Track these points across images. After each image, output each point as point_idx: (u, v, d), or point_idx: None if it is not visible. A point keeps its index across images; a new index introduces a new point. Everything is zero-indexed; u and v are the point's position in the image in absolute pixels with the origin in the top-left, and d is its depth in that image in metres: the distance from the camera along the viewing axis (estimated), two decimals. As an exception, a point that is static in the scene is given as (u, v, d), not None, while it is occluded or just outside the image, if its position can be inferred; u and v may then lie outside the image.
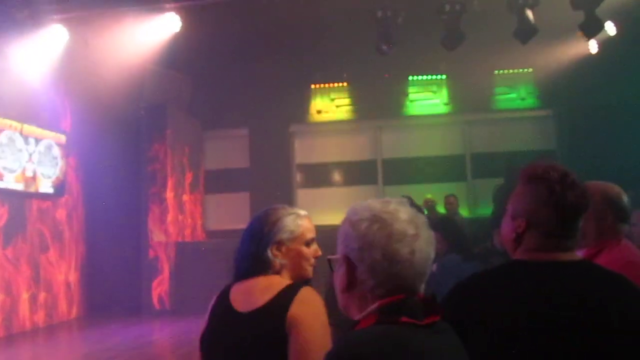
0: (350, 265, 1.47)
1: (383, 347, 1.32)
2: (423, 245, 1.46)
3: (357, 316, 1.46)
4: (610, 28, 9.06)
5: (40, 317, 9.06)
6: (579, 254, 2.63)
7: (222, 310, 2.08)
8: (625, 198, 2.69)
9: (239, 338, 1.97)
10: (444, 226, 4.58)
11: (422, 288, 1.46)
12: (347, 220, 1.51)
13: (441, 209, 9.60)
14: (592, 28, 8.42)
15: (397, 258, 1.42)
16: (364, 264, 1.44)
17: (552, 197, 1.85)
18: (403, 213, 1.47)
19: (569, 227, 1.89)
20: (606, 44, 9.52)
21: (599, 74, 9.77)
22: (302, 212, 2.21)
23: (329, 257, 1.59)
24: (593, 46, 9.72)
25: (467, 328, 1.66)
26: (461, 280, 1.89)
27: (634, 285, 1.88)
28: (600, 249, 2.61)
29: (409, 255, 1.43)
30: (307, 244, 2.14)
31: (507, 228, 1.94)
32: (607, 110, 9.91)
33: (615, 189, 2.72)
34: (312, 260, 2.14)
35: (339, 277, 1.51)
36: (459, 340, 1.51)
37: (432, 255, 1.48)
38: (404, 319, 1.38)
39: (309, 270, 2.14)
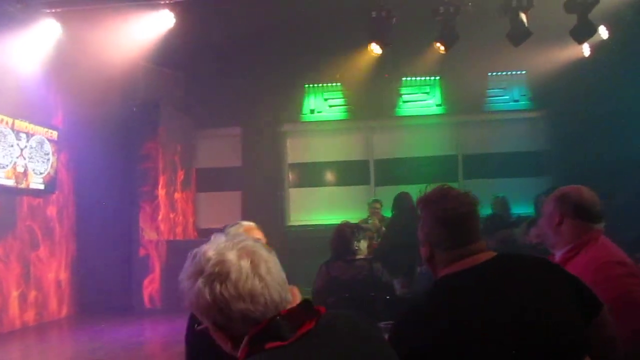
0: (227, 331, 1.42)
1: None
2: (271, 266, 1.45)
3: None
4: (603, 31, 9.11)
5: (30, 316, 8.98)
6: (557, 255, 2.70)
7: None
8: (586, 197, 2.68)
9: None
10: None
11: (288, 298, 1.43)
12: (197, 293, 1.45)
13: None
14: (584, 32, 8.46)
15: (264, 301, 1.40)
16: (252, 322, 1.39)
17: (435, 216, 2.04)
18: (230, 253, 1.47)
19: (459, 234, 2.01)
20: (599, 47, 9.57)
21: (592, 76, 9.82)
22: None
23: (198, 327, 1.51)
24: (586, 49, 9.76)
25: (427, 352, 1.79)
26: (402, 313, 2.00)
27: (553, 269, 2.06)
28: (577, 250, 2.62)
29: (264, 290, 1.41)
30: None
31: (423, 254, 2.11)
32: (599, 112, 9.95)
33: (570, 189, 2.74)
34: None
35: (223, 342, 1.46)
36: (346, 330, 1.48)
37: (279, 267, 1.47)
38: (269, 345, 1.35)
39: None
